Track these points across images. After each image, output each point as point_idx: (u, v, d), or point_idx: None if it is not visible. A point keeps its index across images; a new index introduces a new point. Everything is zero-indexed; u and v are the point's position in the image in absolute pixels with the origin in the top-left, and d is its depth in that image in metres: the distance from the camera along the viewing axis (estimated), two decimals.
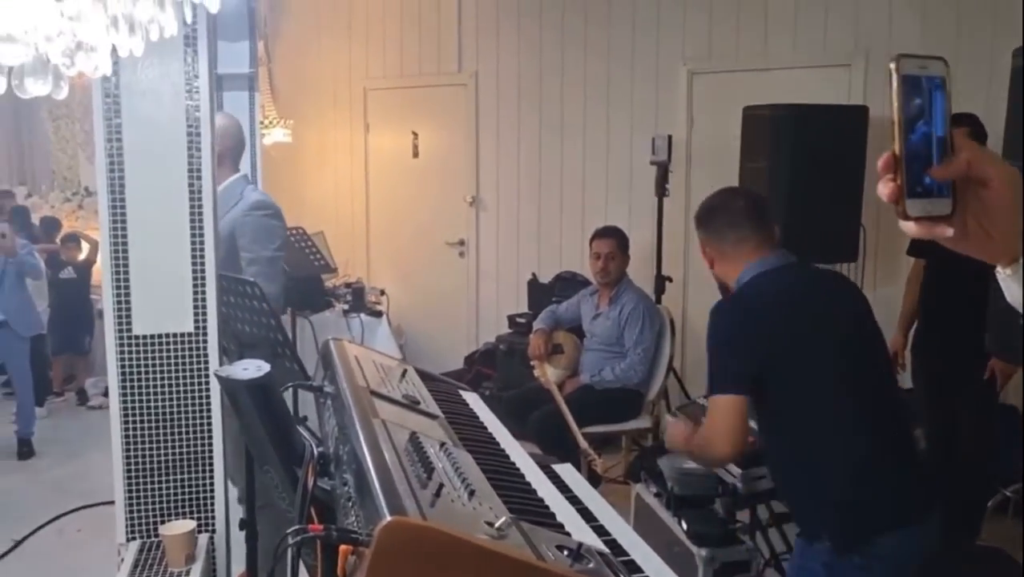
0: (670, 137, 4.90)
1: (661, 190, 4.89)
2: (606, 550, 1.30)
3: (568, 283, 5.57)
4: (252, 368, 1.40)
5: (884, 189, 0.76)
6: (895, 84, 0.76)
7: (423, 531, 1.03)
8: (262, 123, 5.89)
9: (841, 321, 2.24)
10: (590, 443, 3.85)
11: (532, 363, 4.59)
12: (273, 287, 3.14)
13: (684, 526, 2.77)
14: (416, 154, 6.46)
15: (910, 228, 0.77)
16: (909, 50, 0.80)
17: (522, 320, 5.56)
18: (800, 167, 4.11)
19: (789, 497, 2.36)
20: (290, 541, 1.13)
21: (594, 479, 3.87)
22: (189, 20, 1.21)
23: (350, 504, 1.24)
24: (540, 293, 5.70)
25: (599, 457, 3.82)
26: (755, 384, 2.14)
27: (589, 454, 3.77)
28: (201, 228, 2.35)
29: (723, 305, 2.29)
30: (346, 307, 5.37)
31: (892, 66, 0.76)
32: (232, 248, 3.18)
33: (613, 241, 4.47)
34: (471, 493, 1.25)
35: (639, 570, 1.48)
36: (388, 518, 1.02)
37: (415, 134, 6.44)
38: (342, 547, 1.10)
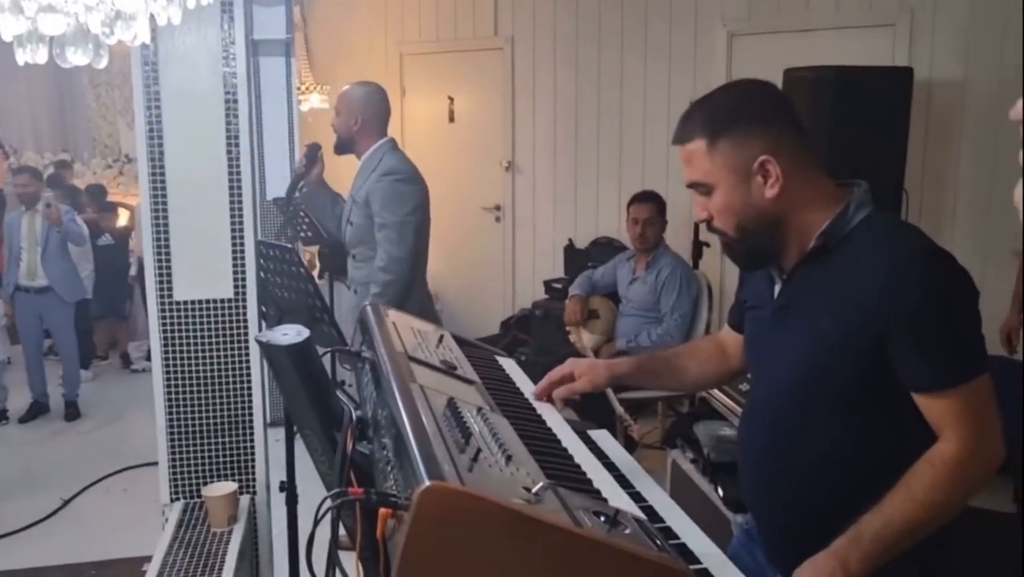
0: None
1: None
2: (643, 516, 1.31)
3: (604, 248, 5.55)
4: (292, 333, 1.41)
5: None
6: None
7: (461, 496, 1.04)
8: (299, 89, 5.91)
9: None
10: (626, 408, 3.84)
11: (568, 329, 4.59)
12: (400, 251, 3.21)
13: (720, 492, 2.78)
14: (452, 119, 6.44)
15: None
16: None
17: (558, 285, 5.55)
18: (842, 130, 4.03)
19: None
20: (330, 504, 1.14)
21: (630, 444, 3.87)
22: None
23: (389, 468, 1.25)
24: (576, 258, 5.69)
25: (635, 422, 3.82)
26: None
27: (625, 419, 3.76)
28: (240, 194, 2.37)
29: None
30: None
31: None
32: (369, 214, 3.24)
33: (651, 206, 4.43)
34: (508, 458, 1.25)
35: (675, 536, 1.48)
36: (427, 483, 1.03)
37: (451, 99, 6.42)
38: (381, 510, 1.12)
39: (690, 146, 1.54)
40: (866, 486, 1.46)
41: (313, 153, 3.44)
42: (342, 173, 3.70)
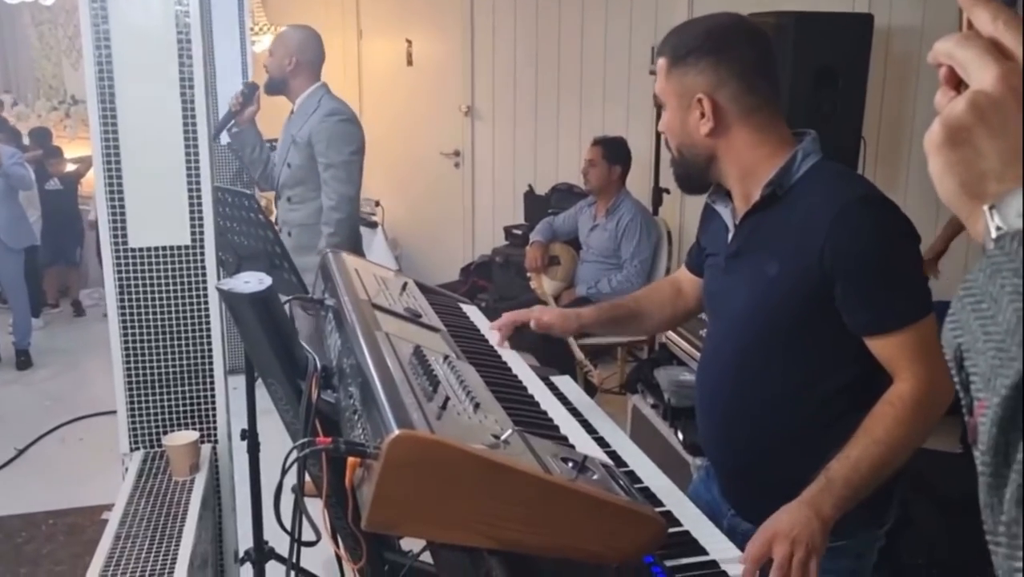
0: None
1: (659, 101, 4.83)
2: (609, 462, 1.32)
3: (564, 195, 5.53)
4: (254, 281, 1.39)
5: None
6: None
7: (431, 444, 1.04)
8: (252, 30, 5.75)
9: None
10: (586, 354, 3.88)
11: (529, 275, 4.60)
12: (349, 190, 3.41)
13: (680, 436, 2.82)
14: (410, 62, 6.33)
15: None
16: None
17: (518, 232, 5.54)
18: (803, 77, 4.03)
19: None
20: (298, 454, 1.13)
21: (590, 389, 3.91)
22: None
23: (356, 417, 1.25)
24: (536, 205, 5.67)
25: (595, 368, 3.86)
26: None
27: (585, 365, 3.80)
28: (195, 138, 2.30)
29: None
30: None
31: None
32: (311, 155, 3.38)
33: (597, 149, 4.50)
34: (476, 406, 1.25)
35: (638, 480, 1.51)
36: (396, 432, 1.03)
37: (409, 41, 6.29)
38: (350, 459, 1.11)
39: (659, 61, 1.60)
40: (817, 426, 1.52)
41: (251, 92, 3.50)
42: (271, 117, 3.69)
